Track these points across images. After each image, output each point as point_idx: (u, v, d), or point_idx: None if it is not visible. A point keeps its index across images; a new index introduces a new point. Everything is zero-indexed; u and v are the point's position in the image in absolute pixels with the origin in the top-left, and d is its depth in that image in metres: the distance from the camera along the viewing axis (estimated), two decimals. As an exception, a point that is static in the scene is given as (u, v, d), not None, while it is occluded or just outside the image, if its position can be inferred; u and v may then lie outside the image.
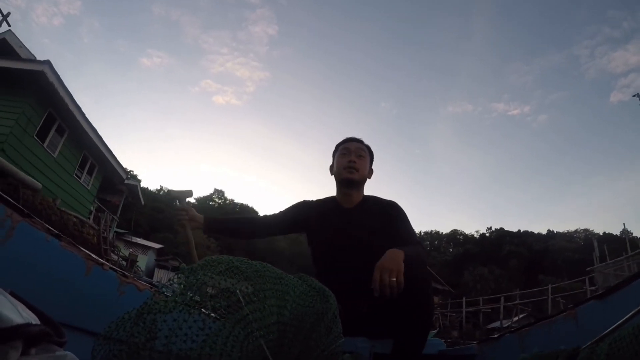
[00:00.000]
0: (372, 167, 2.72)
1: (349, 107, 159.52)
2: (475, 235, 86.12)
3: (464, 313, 33.86)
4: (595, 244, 25.19)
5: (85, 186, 17.16)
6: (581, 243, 70.08)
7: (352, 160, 2.54)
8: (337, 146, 2.70)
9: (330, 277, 2.07)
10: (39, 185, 4.48)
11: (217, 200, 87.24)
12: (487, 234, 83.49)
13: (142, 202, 28.48)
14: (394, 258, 1.95)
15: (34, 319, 0.80)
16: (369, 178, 2.68)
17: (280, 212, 2.71)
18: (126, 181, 21.84)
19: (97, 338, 0.90)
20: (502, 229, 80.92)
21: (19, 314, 0.75)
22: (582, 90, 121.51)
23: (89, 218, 16.78)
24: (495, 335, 2.38)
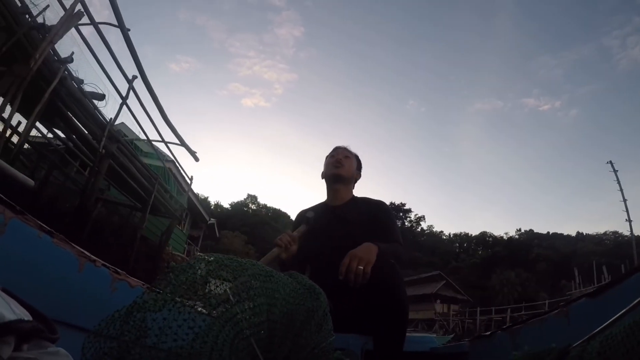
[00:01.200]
0: (360, 173, 2.89)
1: (377, 106, 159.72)
2: (504, 237, 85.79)
3: (477, 321, 34.41)
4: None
5: (182, 229, 21.40)
6: (610, 246, 68.74)
7: (338, 159, 2.73)
8: (327, 156, 2.87)
9: (320, 273, 2.10)
10: (31, 182, 4.46)
11: (251, 205, 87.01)
12: (517, 236, 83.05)
13: (217, 234, 35.55)
14: (368, 249, 2.05)
15: (26, 316, 0.80)
16: (356, 180, 2.85)
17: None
18: (209, 222, 27.95)
19: (88, 335, 0.90)
20: (531, 230, 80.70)
21: (11, 311, 0.75)
22: (615, 82, 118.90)
23: (184, 252, 21.43)
24: (487, 333, 2.38)
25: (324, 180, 2.82)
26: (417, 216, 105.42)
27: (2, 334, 0.70)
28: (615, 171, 36.76)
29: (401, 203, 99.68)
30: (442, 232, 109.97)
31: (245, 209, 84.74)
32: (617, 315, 1.24)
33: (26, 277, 1.28)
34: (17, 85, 5.70)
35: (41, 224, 1.36)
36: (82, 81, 8.24)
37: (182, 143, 11.94)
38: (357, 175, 2.85)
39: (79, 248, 1.42)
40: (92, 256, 1.44)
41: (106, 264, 1.48)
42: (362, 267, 1.93)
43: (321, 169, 2.82)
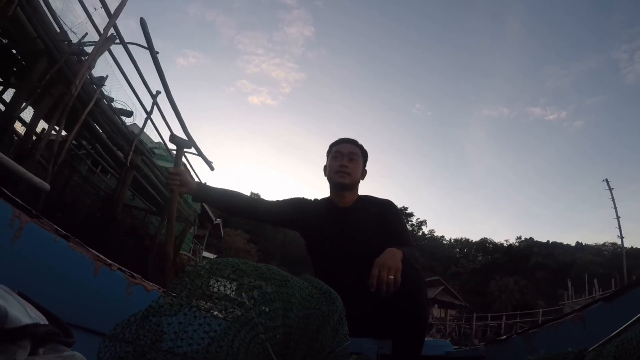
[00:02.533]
0: (366, 169, 2.73)
1: (384, 108, 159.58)
2: (504, 244, 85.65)
3: (474, 326, 34.92)
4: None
5: (190, 231, 21.20)
6: (608, 257, 69.02)
7: (343, 164, 2.56)
8: (331, 147, 2.72)
9: (330, 277, 2.08)
10: (47, 186, 4.50)
11: None
12: (517, 244, 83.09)
13: (222, 234, 35.20)
14: (394, 256, 1.97)
15: (42, 319, 0.80)
16: (362, 179, 2.70)
17: (277, 202, 2.72)
18: (214, 222, 28.66)
19: (103, 339, 0.91)
20: (531, 238, 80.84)
21: (27, 314, 0.76)
22: (621, 95, 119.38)
23: (190, 251, 22.07)
24: (503, 337, 2.37)
25: (325, 177, 2.71)
26: (418, 220, 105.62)
27: (18, 337, 0.70)
28: (610, 189, 38.55)
29: (403, 207, 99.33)
30: (443, 237, 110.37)
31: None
32: (633, 319, 1.22)
33: (42, 281, 1.29)
34: (60, 110, 6.18)
35: (57, 227, 1.37)
36: (112, 99, 9.02)
37: (200, 153, 12.04)
38: (363, 174, 2.71)
39: (94, 252, 1.43)
40: (107, 260, 1.45)
41: (122, 267, 1.49)
42: (392, 277, 1.90)
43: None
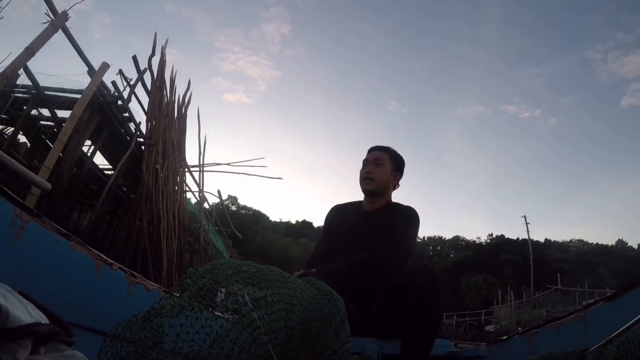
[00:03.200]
0: (400, 173, 2.73)
1: (360, 106, 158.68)
2: (476, 242, 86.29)
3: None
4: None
5: None
6: (575, 253, 70.72)
7: (368, 171, 2.61)
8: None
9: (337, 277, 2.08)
10: (48, 185, 4.52)
11: (232, 207, 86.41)
12: (489, 241, 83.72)
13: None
14: None
15: (43, 319, 0.81)
16: (394, 183, 2.70)
17: (322, 234, 2.79)
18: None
19: (104, 339, 0.91)
20: (502, 236, 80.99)
21: (29, 314, 0.76)
22: (594, 94, 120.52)
23: None
24: (504, 337, 2.37)
25: None
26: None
27: (19, 336, 0.70)
28: (527, 224, 46.90)
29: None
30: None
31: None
32: (635, 319, 1.22)
33: (43, 280, 1.29)
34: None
35: (58, 227, 1.37)
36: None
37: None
38: (395, 179, 2.71)
39: (95, 251, 1.43)
40: (108, 259, 1.45)
41: (122, 267, 1.49)
42: None
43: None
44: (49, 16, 5.90)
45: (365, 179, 2.59)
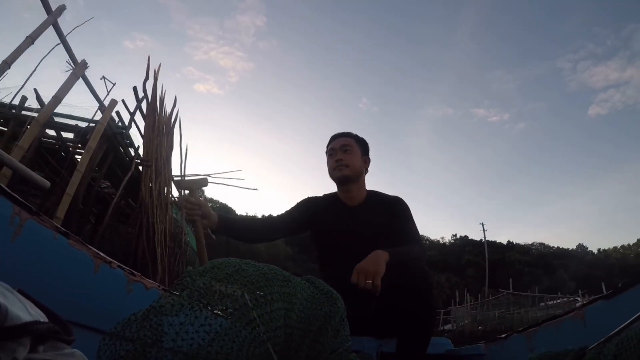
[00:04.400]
0: (368, 157, 2.70)
1: (331, 102, 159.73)
2: (441, 242, 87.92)
3: None
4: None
5: None
6: (535, 255, 72.55)
7: (339, 158, 2.55)
8: (326, 148, 2.70)
9: (337, 276, 2.07)
10: (47, 183, 4.51)
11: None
12: (452, 241, 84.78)
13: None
14: (376, 260, 1.95)
15: (42, 317, 0.80)
16: (366, 168, 2.67)
17: (286, 212, 2.66)
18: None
19: (103, 337, 0.91)
20: (466, 237, 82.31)
21: (27, 312, 0.76)
22: (562, 102, 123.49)
23: None
24: (503, 336, 2.37)
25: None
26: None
27: (17, 335, 0.70)
28: (484, 230, 49.35)
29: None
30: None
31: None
32: (633, 317, 1.22)
33: (42, 278, 1.29)
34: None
35: (57, 225, 1.37)
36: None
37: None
38: (365, 164, 2.66)
39: (94, 249, 1.43)
40: (107, 257, 1.45)
41: (121, 265, 1.49)
42: (370, 281, 1.89)
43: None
44: (70, 64, 6.30)
45: (339, 166, 2.53)
